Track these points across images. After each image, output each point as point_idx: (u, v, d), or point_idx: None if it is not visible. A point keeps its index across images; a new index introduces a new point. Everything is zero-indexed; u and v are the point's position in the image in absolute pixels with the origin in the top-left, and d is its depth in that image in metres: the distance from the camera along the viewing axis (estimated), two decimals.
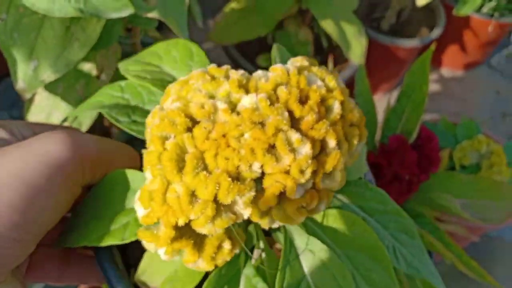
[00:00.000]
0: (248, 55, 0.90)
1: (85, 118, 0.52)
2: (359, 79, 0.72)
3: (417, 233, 0.32)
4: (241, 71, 0.28)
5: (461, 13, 0.90)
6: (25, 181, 0.26)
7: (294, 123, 0.26)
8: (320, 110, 0.27)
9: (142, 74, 0.34)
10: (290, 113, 0.26)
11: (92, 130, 0.71)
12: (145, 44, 0.78)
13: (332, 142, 0.26)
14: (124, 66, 0.36)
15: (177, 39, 0.37)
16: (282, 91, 0.26)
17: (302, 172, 0.25)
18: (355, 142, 0.28)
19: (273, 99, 0.26)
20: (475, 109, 1.24)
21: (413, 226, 0.32)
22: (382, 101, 1.20)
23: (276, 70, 0.28)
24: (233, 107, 0.26)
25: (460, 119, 1.24)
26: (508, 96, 1.29)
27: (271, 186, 0.25)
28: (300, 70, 0.28)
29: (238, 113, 0.25)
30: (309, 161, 0.25)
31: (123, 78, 0.36)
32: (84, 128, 0.53)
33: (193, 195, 0.24)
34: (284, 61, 0.36)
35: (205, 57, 0.35)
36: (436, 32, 1.04)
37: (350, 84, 0.84)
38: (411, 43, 1.00)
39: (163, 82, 0.34)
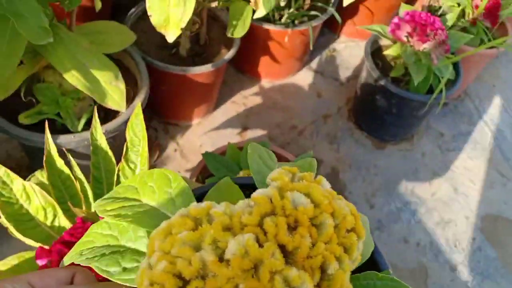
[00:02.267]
0: (8, 114, 0.80)
1: None
2: (130, 128, 0.67)
3: None
4: (223, 205, 0.26)
5: (235, 36, 0.87)
6: None
7: (289, 255, 0.25)
8: (311, 232, 0.25)
9: (122, 211, 0.33)
10: (282, 246, 0.25)
11: None
12: None
13: (332, 264, 0.25)
14: (101, 207, 0.33)
15: (152, 170, 0.35)
16: (268, 225, 0.25)
17: None
18: (355, 248, 0.27)
19: (261, 237, 0.25)
20: (297, 116, 1.25)
21: None
22: (203, 124, 1.17)
23: (257, 200, 0.26)
24: (221, 254, 0.24)
25: (285, 129, 1.24)
26: (329, 97, 1.31)
27: None
28: (281, 191, 0.27)
29: (228, 262, 0.24)
30: None
31: None
32: None
33: None
34: (261, 163, 0.36)
35: (183, 181, 0.34)
36: (230, 53, 1.02)
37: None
38: (203, 69, 0.97)
39: (145, 217, 0.32)
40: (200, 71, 0.97)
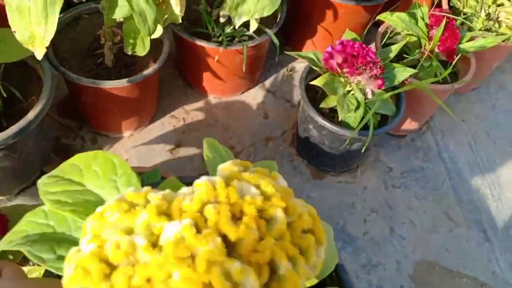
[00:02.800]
0: None
1: None
2: None
3: None
4: (164, 191, 0.25)
5: (138, 54, 0.84)
6: None
7: (231, 248, 0.22)
8: (259, 224, 0.23)
9: (63, 197, 0.31)
10: (224, 237, 0.22)
11: None
12: None
13: (283, 263, 0.22)
14: (44, 187, 0.32)
15: (96, 152, 0.34)
16: (210, 212, 0.23)
17: None
18: (312, 252, 0.24)
19: (200, 224, 0.23)
20: (238, 136, 1.20)
21: None
22: (135, 137, 1.13)
23: (200, 186, 0.24)
24: (155, 240, 0.23)
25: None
26: (276, 119, 1.26)
27: None
28: (228, 180, 0.25)
29: (161, 248, 0.22)
30: None
31: None
32: None
33: None
34: (217, 156, 0.35)
35: (130, 169, 0.33)
36: (151, 69, 0.98)
37: None
38: (115, 83, 0.93)
39: (86, 206, 0.31)
40: (114, 86, 0.94)
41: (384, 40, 1.15)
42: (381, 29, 1.18)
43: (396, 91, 0.98)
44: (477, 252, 1.12)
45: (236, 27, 0.64)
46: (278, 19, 1.12)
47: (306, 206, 0.26)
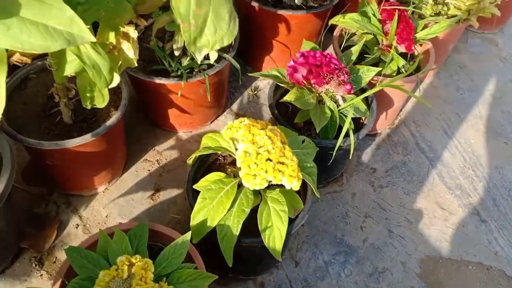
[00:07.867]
0: None
1: None
2: None
3: None
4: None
5: (98, 106, 0.79)
6: None
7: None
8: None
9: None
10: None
11: None
12: None
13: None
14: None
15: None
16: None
17: None
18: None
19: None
20: None
21: None
22: (110, 191, 1.07)
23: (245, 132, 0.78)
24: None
25: None
26: None
27: None
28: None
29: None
30: None
31: None
32: None
33: None
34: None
35: None
36: (114, 119, 0.93)
37: None
38: (79, 140, 0.88)
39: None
40: (78, 143, 0.88)
41: (343, 44, 1.15)
42: (336, 32, 1.18)
43: (366, 94, 0.96)
44: (476, 236, 1.11)
45: (199, 62, 0.61)
46: (233, 43, 1.10)
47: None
